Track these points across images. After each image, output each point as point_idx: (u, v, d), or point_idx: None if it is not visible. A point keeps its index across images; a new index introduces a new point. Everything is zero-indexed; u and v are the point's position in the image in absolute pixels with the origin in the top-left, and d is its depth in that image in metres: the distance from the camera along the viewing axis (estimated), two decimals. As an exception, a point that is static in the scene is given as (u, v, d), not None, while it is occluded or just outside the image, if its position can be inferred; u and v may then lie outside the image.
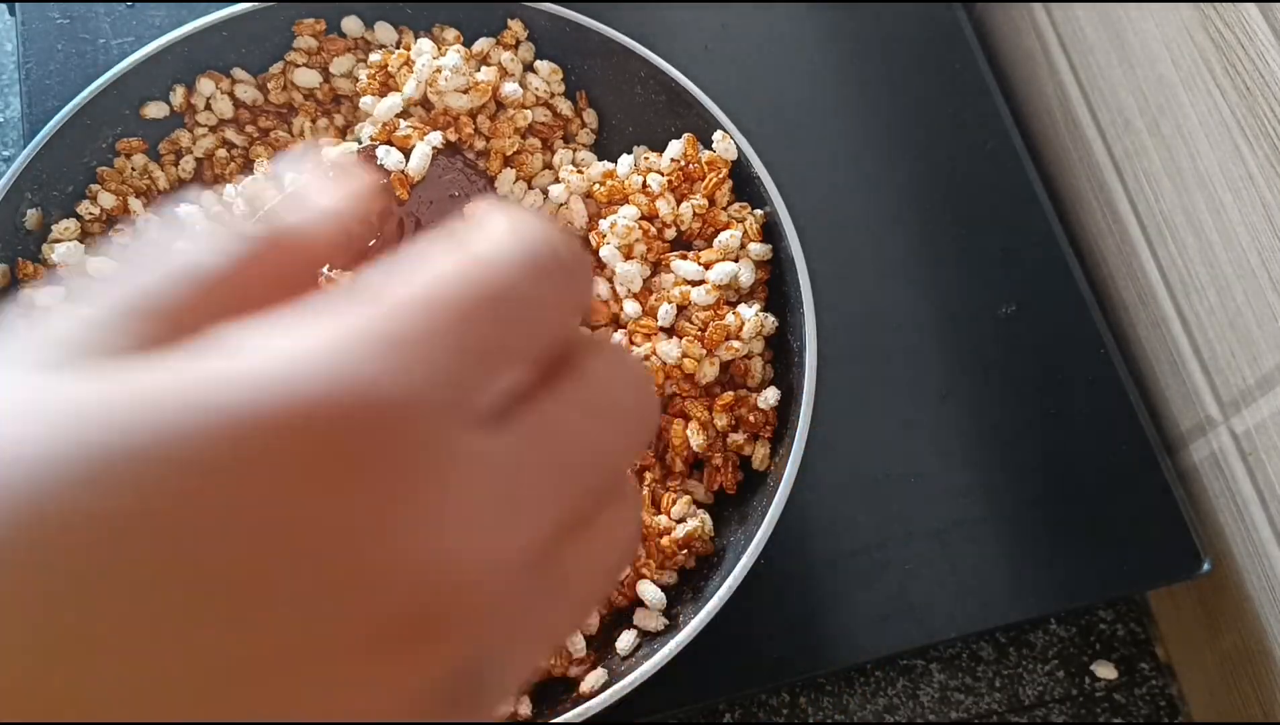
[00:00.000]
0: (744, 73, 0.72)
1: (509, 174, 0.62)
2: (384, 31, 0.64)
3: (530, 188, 0.63)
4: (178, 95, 0.62)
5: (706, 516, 0.56)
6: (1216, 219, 0.59)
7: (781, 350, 0.58)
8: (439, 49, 0.61)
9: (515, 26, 0.63)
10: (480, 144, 0.62)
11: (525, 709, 0.52)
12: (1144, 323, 0.67)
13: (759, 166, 0.59)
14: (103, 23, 0.71)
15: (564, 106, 0.64)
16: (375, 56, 0.62)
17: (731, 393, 0.57)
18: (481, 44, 0.63)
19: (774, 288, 0.59)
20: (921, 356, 0.66)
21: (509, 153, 0.62)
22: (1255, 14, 0.54)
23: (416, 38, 0.63)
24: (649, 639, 0.53)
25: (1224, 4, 0.56)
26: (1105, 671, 0.63)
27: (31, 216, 0.58)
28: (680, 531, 0.54)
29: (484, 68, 0.62)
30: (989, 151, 0.72)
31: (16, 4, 0.72)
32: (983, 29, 0.78)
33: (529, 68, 0.64)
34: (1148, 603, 0.66)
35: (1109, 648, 0.64)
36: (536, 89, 0.63)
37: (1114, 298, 0.70)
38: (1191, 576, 0.61)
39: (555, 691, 0.53)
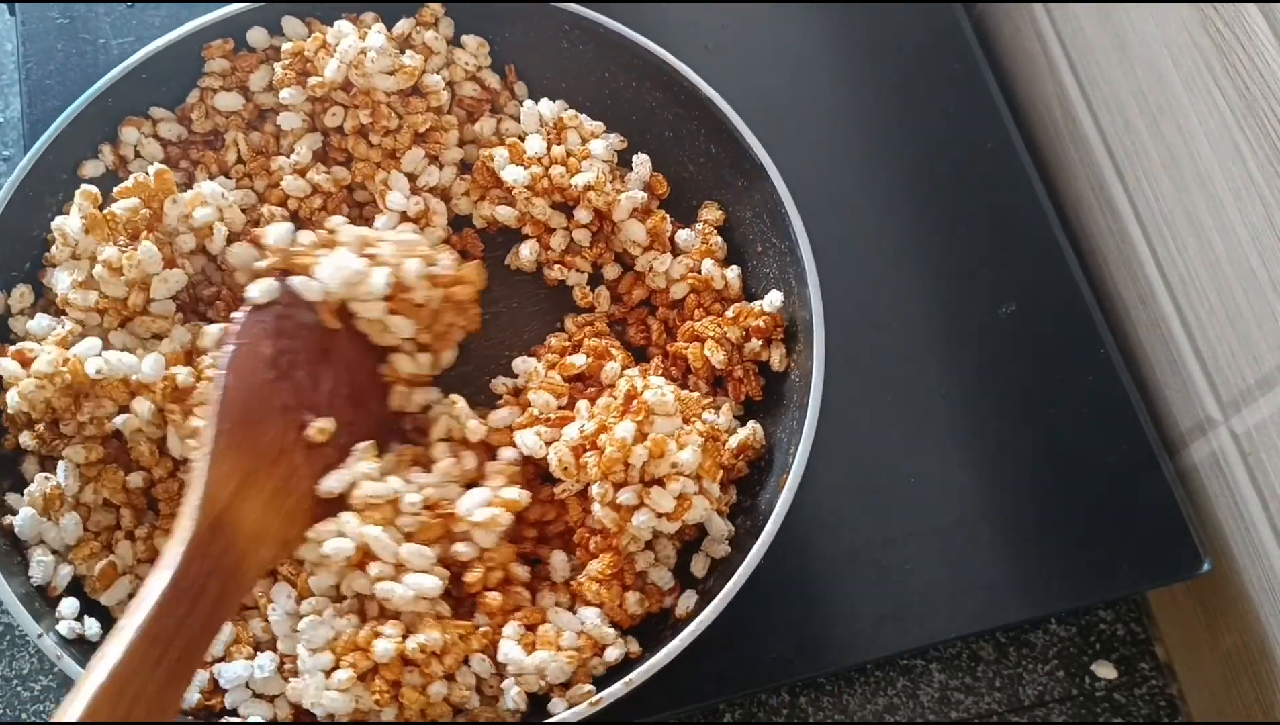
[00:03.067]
0: (744, 72, 0.72)
1: (417, 152, 0.62)
2: (293, 27, 0.63)
3: (441, 167, 0.63)
4: (107, 154, 0.61)
5: (756, 425, 0.58)
6: (1216, 219, 0.59)
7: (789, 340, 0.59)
8: (359, 31, 0.61)
9: (433, 6, 0.64)
10: (394, 122, 0.62)
11: (634, 647, 0.53)
12: (1144, 323, 0.67)
13: (750, 136, 0.60)
14: (103, 23, 0.71)
15: (492, 80, 0.65)
16: (288, 46, 0.61)
17: (736, 305, 0.59)
18: (402, 26, 0.63)
19: (780, 279, 0.60)
20: (921, 356, 0.66)
21: (421, 129, 0.62)
22: (1255, 14, 0.54)
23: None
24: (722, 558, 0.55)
25: (1224, 4, 0.56)
26: (1105, 671, 0.63)
27: None
28: (733, 441, 0.56)
29: (409, 51, 0.61)
30: (989, 151, 0.72)
31: (16, 4, 0.72)
32: (983, 29, 0.78)
33: (455, 43, 0.65)
34: (1148, 603, 0.66)
35: (1109, 647, 0.64)
36: (465, 64, 0.64)
37: (1114, 298, 0.70)
38: (1191, 576, 0.61)
39: (655, 626, 0.55)
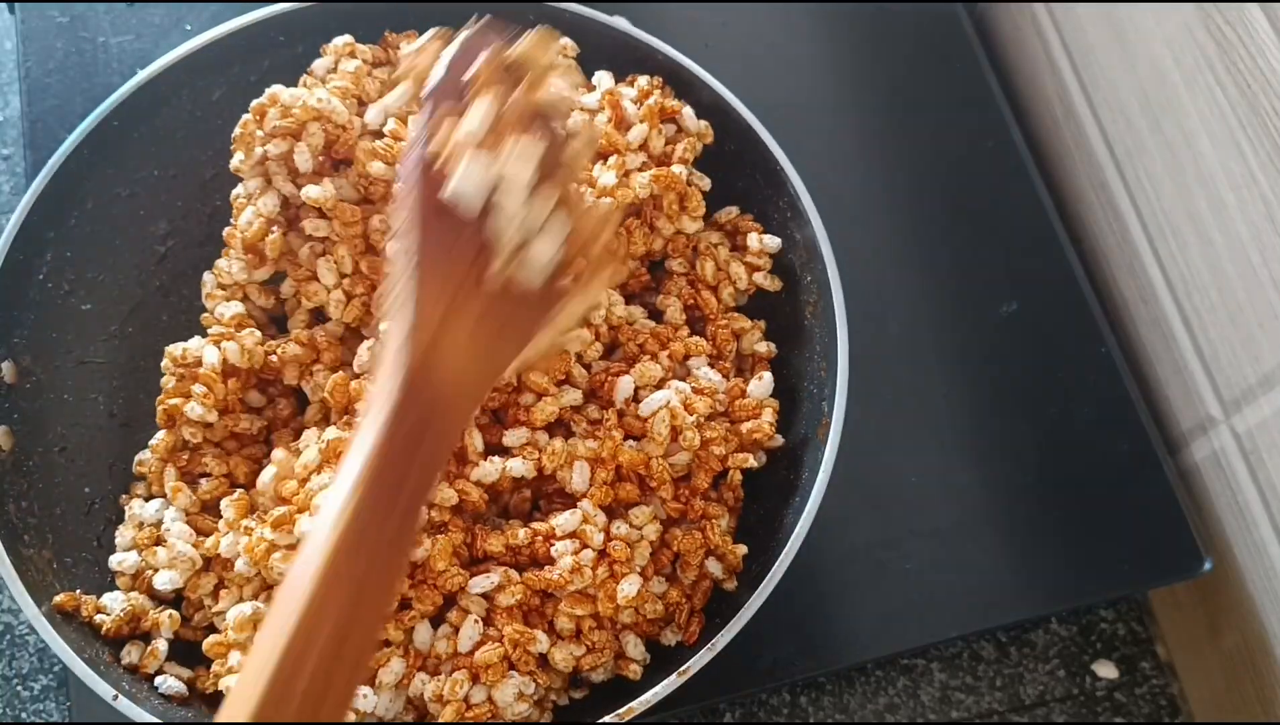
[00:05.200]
0: (744, 72, 0.72)
1: None
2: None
3: None
4: None
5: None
6: (1218, 217, 0.59)
7: (807, 340, 0.59)
8: None
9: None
10: None
11: (698, 629, 0.54)
12: (1145, 321, 0.67)
13: (772, 144, 0.60)
14: (102, 21, 0.71)
15: None
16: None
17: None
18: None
19: (799, 279, 0.60)
20: (922, 355, 0.66)
21: None
22: (1256, 13, 0.53)
23: None
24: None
25: (1225, 3, 0.55)
26: (1106, 671, 0.63)
27: (7, 369, 0.54)
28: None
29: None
30: (990, 151, 0.72)
31: (16, 3, 0.72)
32: (984, 28, 0.78)
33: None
34: (1148, 602, 0.66)
35: (1110, 647, 0.64)
36: None
37: (1115, 296, 0.70)
38: (1193, 575, 0.61)
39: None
